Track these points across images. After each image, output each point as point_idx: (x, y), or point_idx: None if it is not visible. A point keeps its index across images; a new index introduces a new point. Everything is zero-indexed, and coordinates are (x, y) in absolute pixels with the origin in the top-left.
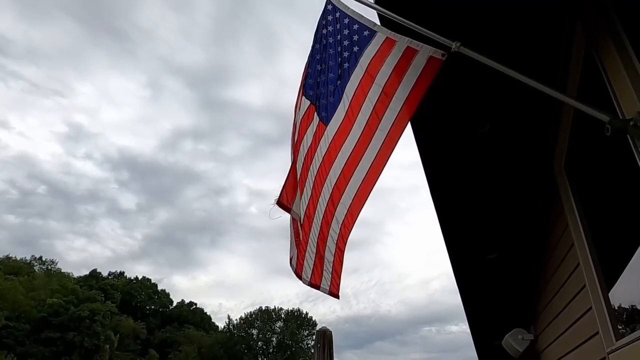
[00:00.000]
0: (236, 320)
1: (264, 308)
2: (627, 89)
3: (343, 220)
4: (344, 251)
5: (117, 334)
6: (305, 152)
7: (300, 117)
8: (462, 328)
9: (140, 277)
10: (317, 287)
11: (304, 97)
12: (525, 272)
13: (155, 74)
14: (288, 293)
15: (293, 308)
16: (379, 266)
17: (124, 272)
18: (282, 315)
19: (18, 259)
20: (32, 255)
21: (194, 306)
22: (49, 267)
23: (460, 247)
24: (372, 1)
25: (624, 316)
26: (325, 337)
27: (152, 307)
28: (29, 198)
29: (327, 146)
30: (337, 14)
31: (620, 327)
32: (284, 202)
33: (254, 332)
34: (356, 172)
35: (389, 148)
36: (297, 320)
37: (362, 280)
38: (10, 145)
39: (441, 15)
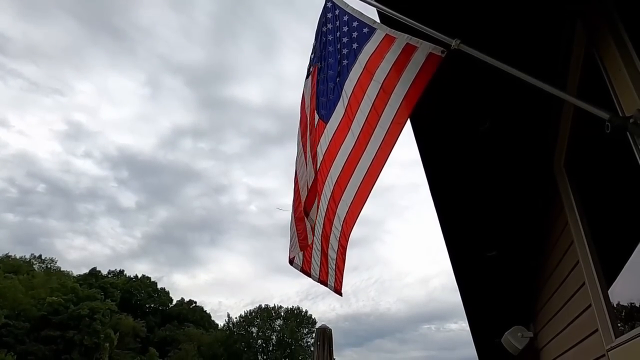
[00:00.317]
0: (236, 318)
1: (263, 306)
2: (627, 86)
3: (345, 218)
4: (346, 248)
5: (117, 333)
6: (309, 151)
7: (308, 119)
8: (461, 326)
9: (139, 276)
10: (325, 284)
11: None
12: (525, 270)
13: (155, 72)
14: (288, 291)
15: (293, 306)
16: (378, 264)
17: (123, 271)
18: (282, 313)
19: (17, 257)
20: (32, 254)
21: (194, 304)
22: (49, 266)
23: (459, 245)
24: None
25: (623, 313)
26: (325, 335)
27: (152, 305)
28: (28, 196)
29: (328, 144)
30: (337, 12)
31: (620, 325)
32: (307, 209)
33: (254, 330)
34: (357, 170)
35: (389, 145)
36: (297, 318)
37: (362, 278)
38: (9, 143)
39: (441, 12)
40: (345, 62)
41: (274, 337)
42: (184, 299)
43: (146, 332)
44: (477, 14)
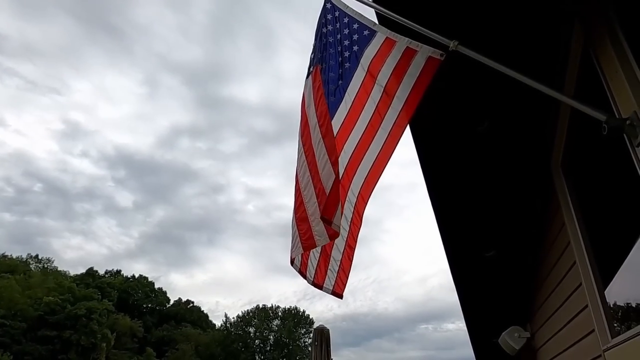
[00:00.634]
0: (233, 318)
1: (261, 306)
2: (624, 88)
3: (351, 219)
4: (354, 248)
5: (114, 333)
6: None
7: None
8: (459, 326)
9: (137, 276)
10: (320, 287)
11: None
12: (522, 270)
13: (152, 71)
14: (285, 291)
15: (290, 306)
16: (376, 264)
17: (120, 271)
18: (280, 314)
19: (14, 257)
20: (29, 254)
21: (191, 304)
22: (45, 266)
23: (457, 245)
24: (371, 0)
25: (620, 314)
26: (322, 335)
27: (149, 305)
28: (25, 196)
29: None
30: (337, 13)
31: (616, 325)
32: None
33: (251, 330)
34: (359, 170)
35: (391, 147)
36: (295, 318)
37: (360, 277)
38: (6, 142)
39: (439, 14)
40: (347, 64)
41: (271, 337)
42: (181, 299)
43: (143, 332)
44: (474, 15)
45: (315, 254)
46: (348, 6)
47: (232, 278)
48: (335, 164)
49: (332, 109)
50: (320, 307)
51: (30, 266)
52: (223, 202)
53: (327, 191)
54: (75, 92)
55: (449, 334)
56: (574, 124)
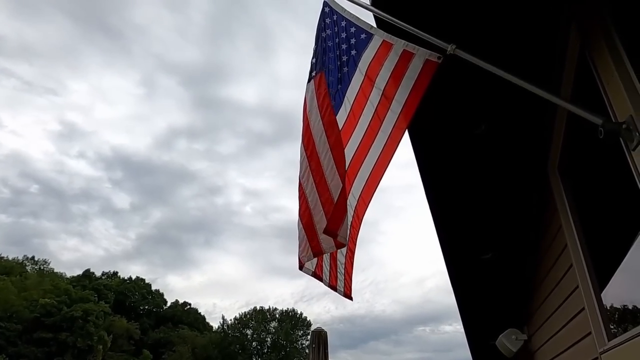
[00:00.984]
0: (230, 320)
1: (258, 308)
2: (620, 92)
3: (351, 222)
4: (354, 252)
5: (111, 335)
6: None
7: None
8: (456, 328)
9: (134, 277)
10: (335, 289)
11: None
12: (519, 273)
13: (150, 72)
14: (283, 293)
15: (288, 308)
16: (373, 265)
17: (117, 272)
18: (277, 315)
19: (10, 258)
20: (25, 255)
21: (188, 306)
22: (42, 267)
23: (455, 247)
24: (369, 3)
25: (616, 316)
26: (320, 338)
27: (146, 307)
28: (21, 197)
29: None
30: (335, 17)
31: (613, 328)
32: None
33: (249, 332)
34: (360, 173)
35: (391, 150)
36: (292, 320)
37: (357, 280)
38: (2, 143)
39: (437, 17)
40: (345, 69)
41: (268, 340)
42: (178, 301)
43: (140, 334)
44: (472, 19)
45: (327, 257)
46: (345, 10)
47: (229, 280)
48: (342, 176)
49: (334, 113)
50: (317, 309)
51: (27, 268)
52: (220, 203)
53: (334, 202)
54: (72, 92)
55: (446, 336)
56: (570, 128)
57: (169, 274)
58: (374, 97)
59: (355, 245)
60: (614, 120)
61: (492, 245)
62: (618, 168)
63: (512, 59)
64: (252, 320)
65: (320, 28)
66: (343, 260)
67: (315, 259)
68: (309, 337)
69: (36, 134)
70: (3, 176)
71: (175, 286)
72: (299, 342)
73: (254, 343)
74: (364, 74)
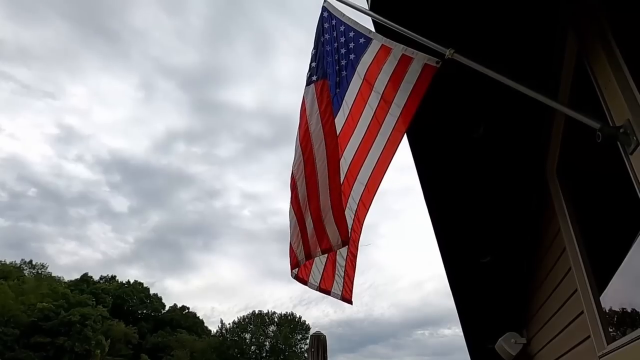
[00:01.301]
0: (229, 324)
1: (257, 312)
2: (617, 96)
3: (352, 226)
4: (356, 256)
5: (109, 339)
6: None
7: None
8: (455, 331)
9: (132, 281)
10: (327, 292)
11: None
12: (518, 276)
13: (148, 75)
14: (281, 297)
15: (286, 312)
16: (372, 269)
17: (115, 276)
18: (276, 319)
19: (7, 262)
20: (22, 259)
21: (187, 310)
22: (39, 271)
23: (453, 251)
24: (367, 8)
25: (615, 320)
26: (319, 342)
27: (144, 311)
28: (19, 200)
29: None
30: (333, 22)
31: (611, 331)
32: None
33: (247, 336)
34: (359, 177)
35: (390, 153)
36: (291, 324)
37: (356, 283)
38: (0, 147)
39: (435, 22)
40: (344, 73)
41: (267, 343)
42: (176, 305)
43: (138, 339)
44: (470, 24)
45: (321, 260)
46: (344, 14)
47: (227, 283)
48: (336, 189)
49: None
50: (316, 312)
51: (24, 272)
52: (219, 207)
53: (325, 215)
54: (70, 96)
55: (445, 340)
56: (568, 131)
57: (167, 277)
58: (373, 100)
59: (357, 249)
60: (611, 125)
61: (491, 249)
62: (616, 172)
63: (510, 63)
64: (251, 324)
65: (319, 32)
66: (343, 264)
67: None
68: (307, 341)
69: (34, 138)
70: (1, 180)
71: (174, 290)
72: (298, 346)
73: (252, 347)
74: (362, 77)
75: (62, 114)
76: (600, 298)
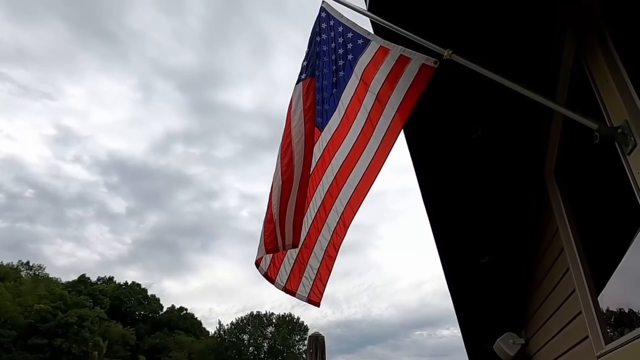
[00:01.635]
0: (227, 325)
1: (255, 313)
2: (615, 97)
3: (335, 228)
4: (334, 258)
5: (106, 340)
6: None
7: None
8: (453, 332)
9: (129, 282)
10: (292, 294)
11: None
12: (517, 277)
13: (146, 76)
14: (280, 297)
15: (284, 313)
16: (370, 270)
17: (113, 277)
18: (274, 320)
19: (5, 264)
20: (19, 260)
21: (185, 311)
22: (37, 272)
23: (452, 251)
24: (366, 9)
25: (613, 320)
26: (317, 342)
27: (142, 312)
28: (16, 202)
29: (321, 152)
30: (331, 22)
31: (609, 331)
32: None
33: (245, 337)
34: (349, 179)
35: (383, 155)
36: (289, 325)
37: (354, 284)
38: None
39: (434, 23)
40: (341, 73)
41: (265, 345)
42: (174, 306)
43: (136, 340)
44: (468, 25)
45: (289, 260)
46: (343, 15)
47: (226, 284)
48: (303, 189)
49: (326, 116)
50: (314, 313)
51: (21, 273)
52: (217, 208)
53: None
54: (68, 97)
55: (443, 340)
56: (566, 132)
57: (165, 279)
58: (368, 101)
59: (336, 251)
60: (609, 125)
61: (489, 249)
62: (614, 172)
63: (508, 64)
64: (249, 325)
65: (315, 32)
66: (316, 266)
67: (269, 260)
68: (306, 342)
69: (32, 139)
70: None
71: (172, 291)
72: (296, 347)
73: (250, 348)
74: (359, 78)
75: (60, 115)
76: (598, 298)
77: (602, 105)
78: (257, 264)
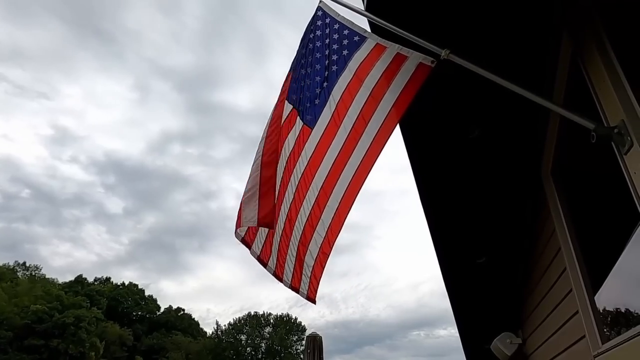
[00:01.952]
0: (224, 325)
1: (252, 313)
2: (611, 97)
3: (330, 224)
4: (328, 255)
5: (103, 341)
6: (288, 156)
7: (282, 122)
8: (450, 332)
9: (127, 283)
10: (297, 291)
11: (286, 102)
12: (514, 276)
13: (143, 76)
14: (277, 298)
15: (282, 313)
16: (368, 270)
17: (110, 278)
18: (271, 321)
19: (1, 264)
20: (16, 261)
21: (182, 312)
22: (33, 273)
23: (449, 252)
24: (363, 9)
25: (609, 319)
26: (315, 343)
27: (139, 313)
28: (12, 202)
29: (313, 149)
30: (327, 20)
31: (606, 330)
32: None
33: (243, 337)
34: (343, 175)
35: (376, 151)
36: (286, 325)
37: (352, 284)
38: None
39: (431, 23)
40: (334, 67)
41: (263, 345)
42: (171, 307)
43: (133, 341)
44: (466, 24)
45: (291, 258)
46: (339, 14)
47: (223, 285)
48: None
49: (317, 112)
50: (312, 313)
51: (18, 274)
52: (214, 208)
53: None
54: (65, 97)
55: (440, 340)
56: (563, 132)
57: (162, 279)
58: (361, 96)
59: (330, 248)
60: (606, 125)
61: (487, 250)
62: (610, 172)
63: (505, 64)
64: (247, 326)
65: (310, 30)
66: (311, 263)
67: (276, 260)
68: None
69: (28, 139)
70: None
71: (169, 292)
72: (294, 348)
73: (248, 349)
74: (353, 72)
75: (57, 115)
76: (595, 298)
77: (598, 105)
78: (265, 264)
